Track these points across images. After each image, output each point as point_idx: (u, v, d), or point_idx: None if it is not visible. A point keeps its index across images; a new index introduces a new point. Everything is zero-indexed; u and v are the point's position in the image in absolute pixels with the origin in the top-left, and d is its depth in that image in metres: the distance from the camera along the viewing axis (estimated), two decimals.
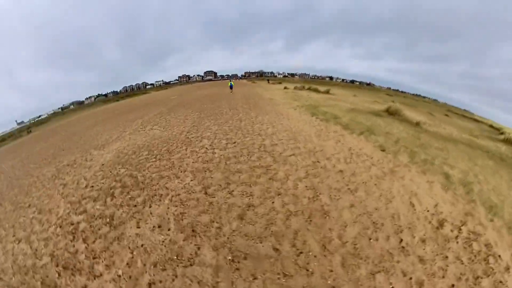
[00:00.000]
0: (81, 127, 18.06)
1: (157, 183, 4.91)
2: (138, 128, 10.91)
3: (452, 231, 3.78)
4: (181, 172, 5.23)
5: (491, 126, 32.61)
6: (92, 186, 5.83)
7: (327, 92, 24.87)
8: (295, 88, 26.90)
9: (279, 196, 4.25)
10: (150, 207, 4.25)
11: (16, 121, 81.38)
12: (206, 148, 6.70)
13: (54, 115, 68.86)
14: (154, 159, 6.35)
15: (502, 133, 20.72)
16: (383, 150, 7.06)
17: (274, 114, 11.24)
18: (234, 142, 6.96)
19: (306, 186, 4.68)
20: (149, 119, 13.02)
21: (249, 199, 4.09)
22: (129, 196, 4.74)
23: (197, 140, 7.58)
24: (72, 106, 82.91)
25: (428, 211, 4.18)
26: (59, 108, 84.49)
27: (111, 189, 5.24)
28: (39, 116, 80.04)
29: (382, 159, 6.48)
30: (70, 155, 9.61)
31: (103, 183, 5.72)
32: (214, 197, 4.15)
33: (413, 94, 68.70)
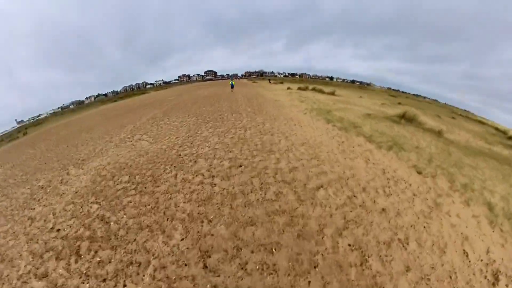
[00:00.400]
0: (71, 130, 16.47)
1: (134, 239, 3.37)
2: (125, 138, 9.35)
3: (507, 286, 3.22)
4: (167, 220, 3.67)
5: (496, 128, 31.42)
6: (58, 230, 4.33)
7: (333, 93, 23.34)
8: (298, 88, 25.33)
9: (316, 268, 2.78)
10: (124, 286, 2.77)
11: (16, 120, 79.62)
12: (203, 175, 5.11)
13: (54, 114, 67.03)
14: (133, 191, 4.80)
15: (510, 138, 19.72)
16: (419, 173, 5.71)
17: (283, 119, 9.74)
18: (240, 166, 5.42)
19: (350, 245, 3.22)
20: (140, 125, 11.44)
21: (273, 278, 2.61)
22: (98, 258, 3.25)
23: (191, 160, 6.00)
24: (72, 106, 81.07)
25: (481, 260, 3.57)
26: (58, 108, 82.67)
27: (77, 241, 3.74)
28: (39, 116, 78.25)
29: (422, 186, 5.16)
30: (48, 172, 8.10)
31: (70, 227, 4.21)
32: (219, 276, 2.64)
33: (413, 94, 67.13)
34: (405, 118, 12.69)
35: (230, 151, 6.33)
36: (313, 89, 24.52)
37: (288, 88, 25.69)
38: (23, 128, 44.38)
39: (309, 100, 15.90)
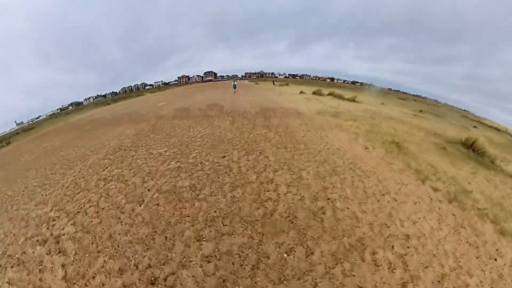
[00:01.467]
0: (30, 157, 11.60)
1: None
2: (47, 217, 4.60)
3: None
4: None
5: (511, 135, 27.96)
6: None
7: (354, 99, 18.76)
8: (313, 93, 20.71)
9: None
10: None
11: (15, 121, 73.72)
12: None
13: (50, 117, 61.54)
14: None
15: None
16: None
17: (344, 167, 5.19)
18: None
19: None
20: (87, 170, 6.53)
21: None
22: None
23: None
24: (70, 107, 75.36)
25: None
26: (57, 109, 76.87)
27: None
28: (38, 117, 72.62)
29: None
30: None
31: None
32: None
33: (413, 95, 62.84)
34: (473, 149, 8.27)
35: None
36: (331, 94, 19.90)
37: (302, 93, 21.03)
38: (14, 134, 39.30)
39: (345, 115, 11.32)
